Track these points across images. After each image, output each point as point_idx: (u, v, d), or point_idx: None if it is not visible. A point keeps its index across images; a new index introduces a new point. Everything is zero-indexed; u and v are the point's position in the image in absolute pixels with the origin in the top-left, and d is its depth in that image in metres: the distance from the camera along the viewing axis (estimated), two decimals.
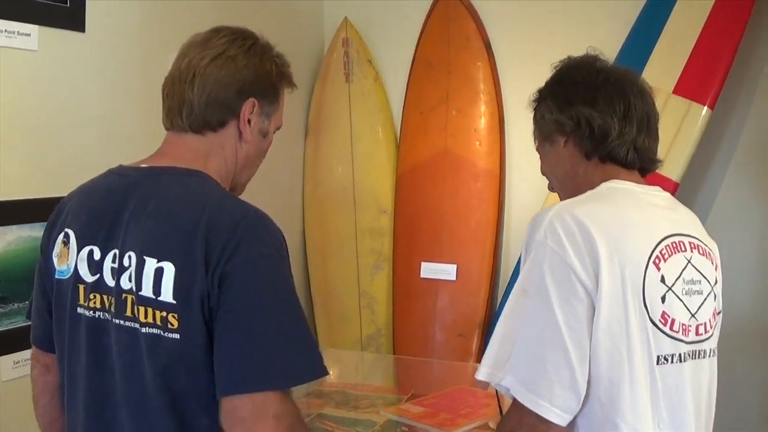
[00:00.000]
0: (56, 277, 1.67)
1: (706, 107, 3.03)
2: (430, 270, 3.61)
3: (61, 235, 1.66)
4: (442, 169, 3.63)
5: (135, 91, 2.80)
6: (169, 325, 1.47)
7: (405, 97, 3.75)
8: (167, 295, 1.47)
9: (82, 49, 2.58)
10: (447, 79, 3.63)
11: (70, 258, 1.63)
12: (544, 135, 1.82)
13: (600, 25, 3.33)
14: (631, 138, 1.70)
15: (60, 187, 2.46)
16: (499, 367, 1.53)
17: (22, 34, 2.38)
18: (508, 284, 3.51)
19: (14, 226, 2.36)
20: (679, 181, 3.06)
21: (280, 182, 3.67)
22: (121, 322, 1.54)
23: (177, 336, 1.47)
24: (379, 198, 3.76)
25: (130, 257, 1.53)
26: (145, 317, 1.50)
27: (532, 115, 1.87)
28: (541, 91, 1.85)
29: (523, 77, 3.52)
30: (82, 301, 1.61)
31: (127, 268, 1.53)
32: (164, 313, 1.48)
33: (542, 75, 3.38)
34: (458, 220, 3.60)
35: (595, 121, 1.70)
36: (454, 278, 3.57)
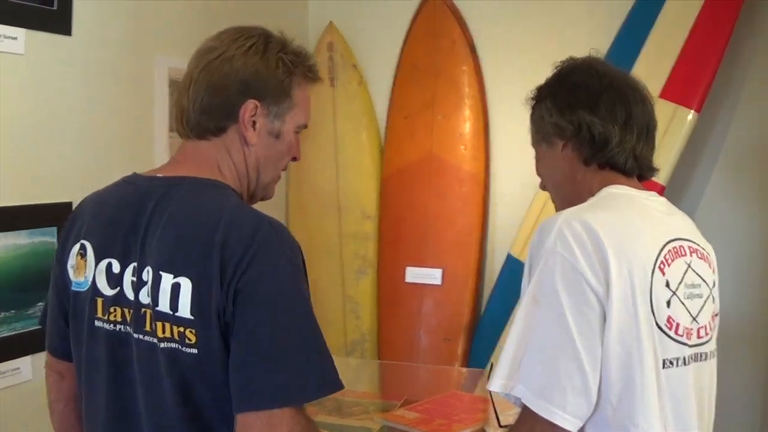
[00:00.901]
0: (73, 289, 1.65)
1: (692, 111, 3.04)
2: (415, 274, 3.60)
3: (77, 246, 1.64)
4: (427, 173, 3.63)
5: (123, 95, 2.77)
6: (187, 341, 1.46)
7: (390, 101, 3.74)
8: (184, 311, 1.45)
9: (69, 53, 2.55)
10: (432, 83, 3.63)
11: (88, 270, 1.61)
12: (541, 136, 1.81)
13: (587, 29, 3.33)
14: (630, 146, 1.70)
15: (46, 194, 2.45)
16: (512, 376, 1.52)
17: (9, 37, 2.35)
18: (494, 288, 3.51)
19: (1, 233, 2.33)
20: (666, 185, 3.07)
21: None
22: (141, 336, 1.53)
23: (195, 351, 1.45)
24: (364, 202, 3.75)
25: (147, 272, 1.51)
26: (163, 332, 1.48)
27: (529, 112, 1.86)
28: (540, 90, 1.84)
29: (509, 81, 3.57)
30: (100, 314, 1.59)
31: (145, 283, 1.51)
32: (182, 329, 1.46)
33: (527, 78, 3.36)
34: (443, 224, 3.60)
35: (595, 127, 1.69)
36: (440, 282, 3.56)
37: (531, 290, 1.54)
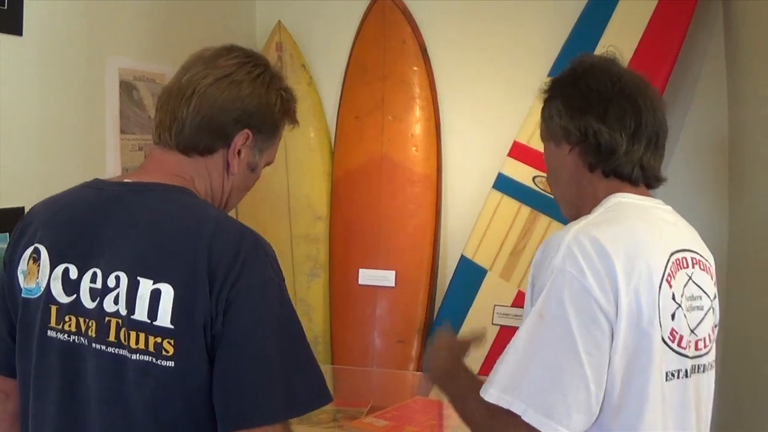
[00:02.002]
0: (23, 296, 1.54)
1: None
2: (368, 277, 3.58)
3: (29, 251, 1.54)
4: (378, 174, 3.60)
5: (77, 98, 2.70)
6: (164, 352, 1.39)
7: (340, 102, 3.71)
8: (164, 319, 1.38)
9: (20, 54, 2.45)
10: (382, 84, 3.61)
11: (41, 276, 1.51)
12: (550, 135, 1.77)
13: (539, 29, 3.35)
14: (638, 156, 1.66)
15: None
16: (510, 391, 1.47)
17: None
18: (447, 290, 3.50)
19: None
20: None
21: None
22: (103, 347, 1.44)
23: (171, 364, 1.39)
24: (314, 204, 3.71)
25: (117, 278, 1.43)
26: (136, 343, 1.40)
27: (541, 106, 1.80)
28: (553, 86, 1.78)
29: (461, 81, 3.57)
30: (53, 324, 1.50)
31: (112, 289, 1.43)
32: (159, 339, 1.39)
33: (480, 78, 3.40)
34: (396, 226, 3.58)
35: (602, 135, 1.65)
36: (393, 284, 3.55)
37: (537, 307, 1.50)
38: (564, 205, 1.79)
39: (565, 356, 1.46)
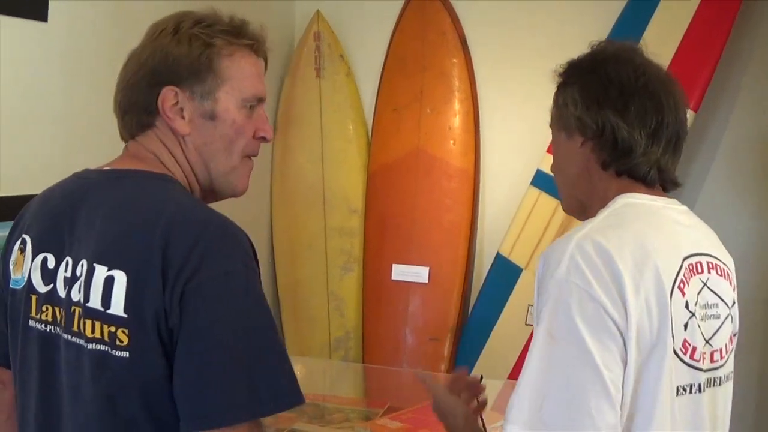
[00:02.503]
0: (11, 286, 1.52)
1: (689, 110, 2.96)
2: (401, 272, 3.51)
3: (18, 242, 1.52)
4: (414, 168, 3.54)
5: (101, 85, 2.62)
6: (118, 342, 1.32)
7: (377, 93, 3.65)
8: (117, 307, 1.31)
9: (45, 40, 2.44)
10: (421, 76, 3.54)
11: (25, 266, 1.48)
12: (562, 124, 1.63)
13: (579, 24, 3.25)
14: (655, 157, 1.54)
15: (18, 186, 2.34)
16: (533, 425, 1.36)
17: None
18: (481, 288, 3.43)
19: None
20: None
21: None
22: (69, 337, 1.39)
23: (126, 354, 1.31)
24: (350, 197, 3.66)
25: (82, 265, 1.37)
26: (92, 332, 1.34)
27: (554, 90, 1.66)
28: (570, 71, 1.64)
29: (500, 74, 3.49)
30: (33, 313, 1.46)
31: (78, 278, 1.38)
32: (113, 328, 1.32)
33: (520, 72, 3.32)
34: (431, 221, 3.51)
35: (621, 132, 1.53)
36: (426, 281, 3.48)
37: (545, 326, 1.39)
38: (567, 199, 1.67)
39: (586, 375, 1.34)
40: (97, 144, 2.62)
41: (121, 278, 1.32)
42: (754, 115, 3.15)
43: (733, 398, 1.61)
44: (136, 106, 1.48)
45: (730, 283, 1.58)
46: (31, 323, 1.47)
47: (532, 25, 3.41)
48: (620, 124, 1.53)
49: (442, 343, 3.45)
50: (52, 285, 1.44)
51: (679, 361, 1.43)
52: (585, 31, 3.20)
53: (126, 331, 1.31)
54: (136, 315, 1.31)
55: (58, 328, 1.43)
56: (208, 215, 1.38)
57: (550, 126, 1.67)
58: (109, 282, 1.33)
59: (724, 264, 1.58)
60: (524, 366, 1.41)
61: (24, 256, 1.49)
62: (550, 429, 1.35)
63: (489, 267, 3.43)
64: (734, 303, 1.59)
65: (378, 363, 3.48)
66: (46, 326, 1.45)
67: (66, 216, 1.46)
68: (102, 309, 1.33)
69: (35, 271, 1.46)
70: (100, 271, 1.34)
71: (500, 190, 3.52)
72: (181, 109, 1.47)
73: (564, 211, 1.70)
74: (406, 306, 3.51)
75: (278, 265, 3.72)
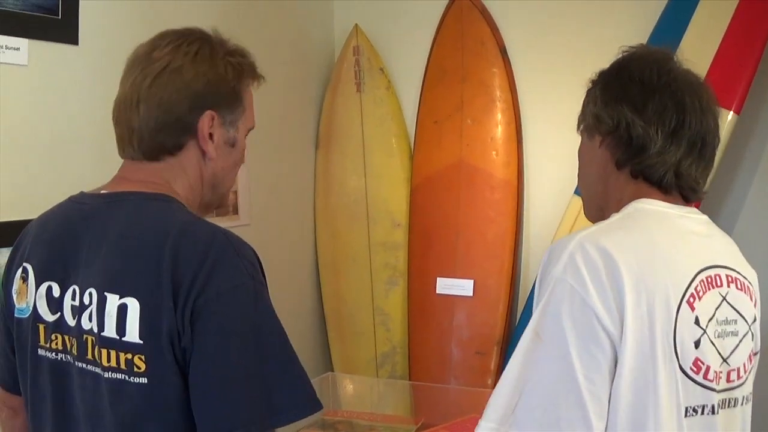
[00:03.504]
0: (16, 316, 1.53)
1: (731, 112, 2.87)
2: (446, 286, 3.47)
3: (20, 270, 1.53)
4: (457, 180, 3.49)
5: None
6: (135, 369, 1.35)
7: (418, 105, 3.61)
8: (133, 334, 1.34)
9: (76, 63, 2.46)
10: (461, 87, 3.50)
11: (29, 295, 1.49)
12: (584, 125, 1.63)
13: (619, 29, 3.17)
14: (674, 160, 1.49)
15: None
16: (505, 421, 1.33)
17: (11, 48, 2.26)
18: (527, 300, 3.37)
19: (3, 249, 2.24)
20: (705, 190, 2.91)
21: (290, 195, 3.55)
22: (84, 365, 1.41)
23: (144, 380, 1.35)
24: (393, 211, 3.63)
25: (91, 294, 1.40)
26: (108, 361, 1.37)
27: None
28: (598, 76, 1.64)
29: (541, 83, 3.43)
30: (42, 342, 1.48)
31: (87, 306, 1.40)
32: (129, 356, 1.35)
33: (561, 80, 3.27)
34: (475, 233, 3.46)
35: (635, 128, 1.49)
36: (471, 294, 3.43)
37: (533, 323, 1.36)
38: (588, 205, 1.63)
39: (562, 381, 1.31)
40: None
41: (134, 305, 1.34)
42: None
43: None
44: (177, 126, 1.50)
45: (751, 299, 1.51)
46: (41, 352, 1.49)
47: (570, 31, 3.35)
48: (636, 120, 1.49)
49: (488, 356, 3.40)
50: (59, 314, 1.46)
51: (690, 381, 1.36)
52: (625, 34, 3.13)
53: (143, 357, 1.34)
54: (151, 340, 1.34)
55: (69, 356, 1.45)
56: (212, 231, 1.40)
57: (577, 131, 1.64)
58: (122, 310, 1.35)
59: (745, 278, 1.50)
60: (509, 362, 1.38)
61: (27, 285, 1.50)
62: (519, 429, 1.31)
63: (534, 279, 3.36)
64: (755, 320, 1.51)
65: (424, 377, 3.44)
66: (56, 355, 1.46)
67: (67, 243, 1.47)
68: (117, 337, 1.36)
69: (40, 300, 1.47)
70: (112, 300, 1.37)
71: (544, 200, 3.45)
72: (212, 135, 1.52)
73: (586, 217, 1.66)
74: (451, 320, 3.46)
75: (323, 281, 3.71)
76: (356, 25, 3.64)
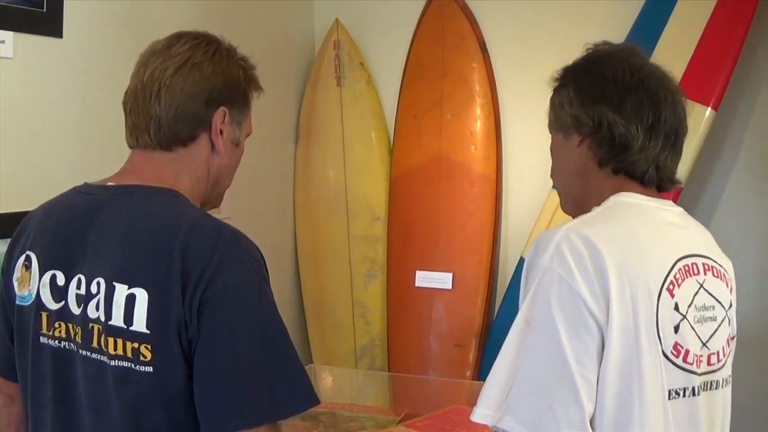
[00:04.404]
0: (18, 303, 1.55)
1: (709, 108, 2.93)
2: (425, 278, 3.50)
3: (22, 258, 1.55)
4: (436, 174, 3.52)
5: (117, 100, 2.67)
6: (141, 357, 1.38)
7: (398, 100, 3.64)
8: (140, 324, 1.37)
9: (61, 56, 2.46)
10: (441, 82, 3.53)
11: (32, 283, 1.52)
12: (559, 125, 1.64)
13: (599, 25, 3.22)
14: (653, 154, 1.53)
15: (36, 202, 2.36)
16: (498, 407, 1.37)
17: None
18: (506, 293, 3.41)
19: None
20: (682, 186, 2.94)
21: (270, 189, 3.57)
22: (88, 353, 1.44)
23: (150, 369, 1.37)
24: (373, 204, 3.65)
25: (98, 284, 1.42)
26: (114, 349, 1.39)
27: (550, 94, 1.69)
28: (565, 74, 1.65)
29: (521, 78, 3.46)
30: (45, 330, 1.51)
31: (94, 296, 1.43)
32: (136, 344, 1.38)
33: (540, 75, 3.26)
34: (454, 226, 3.50)
35: (617, 127, 1.52)
36: (450, 287, 3.46)
37: (523, 312, 1.40)
38: (566, 200, 1.67)
39: (553, 365, 1.35)
40: (116, 157, 2.65)
41: (142, 295, 1.38)
42: None
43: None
44: (195, 117, 1.55)
45: (727, 285, 1.56)
46: (43, 340, 1.51)
47: (550, 27, 3.39)
48: (617, 119, 1.53)
49: (467, 349, 3.44)
50: (63, 302, 1.48)
51: (671, 365, 1.42)
52: (604, 31, 3.14)
53: (149, 347, 1.38)
54: (158, 330, 1.37)
55: (72, 344, 1.47)
56: (220, 228, 1.45)
57: (549, 129, 1.67)
58: (130, 300, 1.39)
59: (720, 266, 1.56)
60: (500, 351, 1.42)
61: (30, 273, 1.52)
62: (515, 416, 1.36)
63: (513, 271, 3.41)
64: (731, 305, 1.57)
65: (404, 370, 3.47)
66: (59, 342, 1.49)
67: (72, 233, 1.49)
68: (125, 326, 1.39)
69: (44, 288, 1.50)
70: (120, 290, 1.40)
71: (523, 194, 3.49)
72: (222, 131, 1.58)
73: (564, 212, 1.69)
74: (430, 313, 3.49)
75: (302, 274, 3.73)
76: (337, 19, 3.66)
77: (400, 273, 3.58)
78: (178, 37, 1.59)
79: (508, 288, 3.41)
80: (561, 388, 1.35)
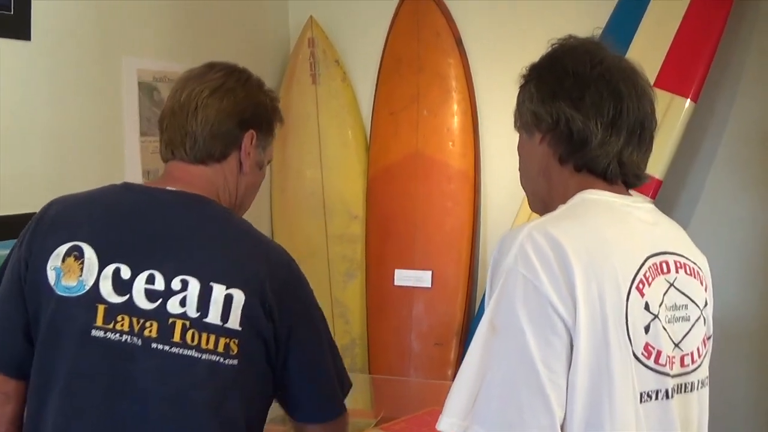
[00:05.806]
0: (59, 293, 1.56)
1: (688, 100, 2.92)
2: (404, 277, 3.47)
3: (65, 248, 1.57)
4: (414, 171, 3.50)
5: (86, 102, 2.65)
6: (231, 352, 1.54)
7: (374, 97, 3.61)
8: (234, 322, 1.54)
9: (29, 59, 2.42)
10: (417, 78, 3.50)
11: (86, 274, 1.56)
12: (522, 122, 1.60)
13: (576, 18, 3.18)
14: (615, 150, 1.48)
15: (9, 206, 2.32)
16: (465, 415, 1.32)
17: None
18: (486, 290, 3.38)
19: None
20: (662, 179, 2.93)
21: None
22: (166, 347, 1.53)
23: (235, 362, 1.54)
24: (350, 203, 3.63)
25: (185, 282, 1.54)
26: (207, 344, 1.53)
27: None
28: (530, 70, 1.61)
29: (497, 74, 3.42)
30: (100, 323, 1.54)
31: (177, 292, 1.54)
32: (227, 340, 1.54)
33: (517, 70, 3.27)
34: (432, 224, 3.47)
35: (575, 123, 1.47)
36: (429, 285, 3.44)
37: (488, 315, 1.34)
38: (533, 199, 1.63)
39: (522, 370, 1.30)
40: (88, 159, 2.62)
41: (240, 296, 1.55)
42: (755, 108, 3.10)
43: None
44: (228, 136, 1.71)
45: (702, 283, 1.52)
46: (96, 333, 1.54)
47: (527, 23, 3.36)
48: (574, 115, 1.48)
49: (447, 347, 3.41)
50: (127, 296, 1.54)
51: (642, 366, 1.38)
52: (581, 27, 3.10)
53: (237, 341, 1.55)
54: (248, 329, 1.56)
55: (136, 338, 1.53)
56: (284, 250, 1.72)
57: (515, 128, 1.64)
58: (228, 300, 1.55)
59: (694, 263, 1.52)
60: (466, 356, 1.37)
61: (82, 264, 1.57)
62: (482, 425, 1.31)
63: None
64: (707, 304, 1.53)
65: (384, 370, 3.46)
66: (120, 336, 1.54)
67: (140, 229, 1.61)
68: (221, 323, 1.54)
69: (105, 280, 1.56)
70: (219, 290, 1.55)
71: (501, 190, 3.47)
72: (249, 152, 1.74)
73: (531, 210, 1.67)
74: (410, 311, 3.47)
75: None
76: (311, 16, 3.62)
77: (379, 272, 3.55)
78: (211, 66, 1.76)
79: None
80: (530, 394, 1.30)
